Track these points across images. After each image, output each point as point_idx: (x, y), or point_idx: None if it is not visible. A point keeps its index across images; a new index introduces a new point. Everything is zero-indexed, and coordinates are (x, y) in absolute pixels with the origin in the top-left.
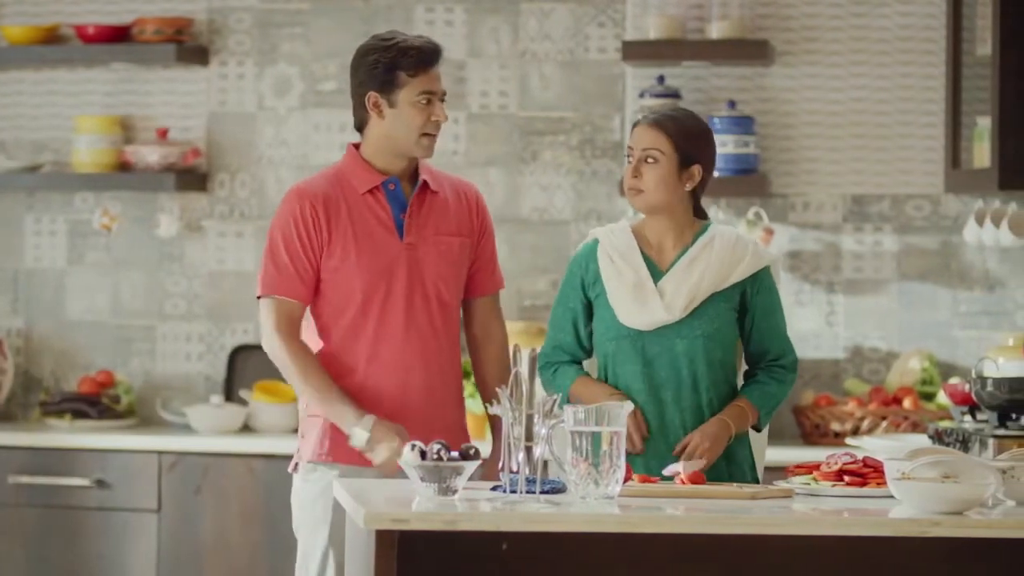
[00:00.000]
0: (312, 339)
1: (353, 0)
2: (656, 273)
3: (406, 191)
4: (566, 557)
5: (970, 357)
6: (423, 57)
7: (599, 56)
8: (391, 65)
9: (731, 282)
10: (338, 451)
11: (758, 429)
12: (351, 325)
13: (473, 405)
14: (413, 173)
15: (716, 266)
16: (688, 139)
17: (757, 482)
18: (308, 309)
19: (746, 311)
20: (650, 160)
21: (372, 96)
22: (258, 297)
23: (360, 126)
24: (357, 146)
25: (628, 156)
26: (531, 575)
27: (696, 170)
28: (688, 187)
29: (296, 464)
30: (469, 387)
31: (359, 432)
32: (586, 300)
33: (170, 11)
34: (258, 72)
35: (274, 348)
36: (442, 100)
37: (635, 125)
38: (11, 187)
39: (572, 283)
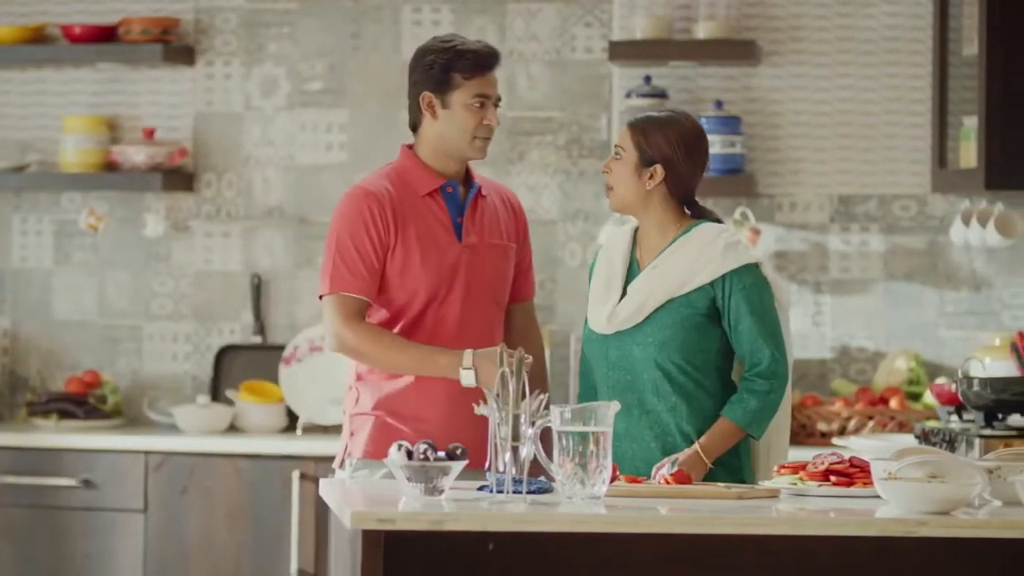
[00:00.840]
0: None
1: (340, 0)
2: (636, 275)
3: (461, 194)
4: (552, 557)
5: (957, 357)
6: (479, 60)
7: (586, 56)
8: (447, 66)
9: (693, 286)
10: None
11: (756, 438)
12: (408, 325)
13: None
14: (464, 176)
15: (677, 271)
16: (649, 138)
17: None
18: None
19: (720, 315)
20: (616, 157)
21: (426, 96)
22: (320, 296)
23: (414, 126)
24: (410, 146)
25: None
26: (517, 575)
27: (657, 169)
28: (650, 186)
29: (343, 460)
30: None
31: (467, 373)
32: None
33: (157, 11)
34: (245, 72)
35: (347, 341)
36: (496, 105)
37: None
38: None
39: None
